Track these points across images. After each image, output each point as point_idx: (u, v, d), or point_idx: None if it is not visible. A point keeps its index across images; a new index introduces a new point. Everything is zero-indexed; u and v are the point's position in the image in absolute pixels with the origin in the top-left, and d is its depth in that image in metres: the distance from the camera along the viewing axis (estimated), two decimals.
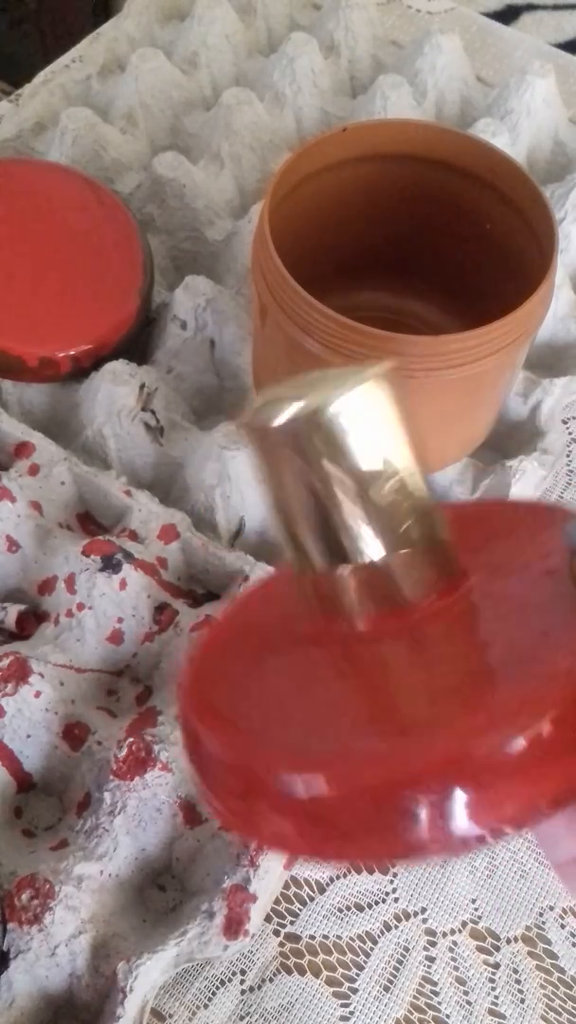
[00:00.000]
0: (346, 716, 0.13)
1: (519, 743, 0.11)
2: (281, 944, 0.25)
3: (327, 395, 0.13)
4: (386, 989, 0.25)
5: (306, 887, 0.26)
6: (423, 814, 0.11)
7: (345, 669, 0.14)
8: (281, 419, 0.13)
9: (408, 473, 0.14)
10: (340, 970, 0.25)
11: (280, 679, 0.15)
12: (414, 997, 0.25)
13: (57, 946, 0.23)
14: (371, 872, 0.26)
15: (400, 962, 0.25)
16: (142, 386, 0.31)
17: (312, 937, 0.25)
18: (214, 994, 0.24)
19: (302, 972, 0.25)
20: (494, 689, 0.12)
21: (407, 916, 0.26)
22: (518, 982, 0.25)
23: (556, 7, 0.48)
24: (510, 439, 0.34)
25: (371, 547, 0.14)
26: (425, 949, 0.25)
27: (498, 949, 0.26)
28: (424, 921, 0.26)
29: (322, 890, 0.26)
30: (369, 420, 0.13)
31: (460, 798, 0.11)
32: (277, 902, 0.25)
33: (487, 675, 0.13)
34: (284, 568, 0.17)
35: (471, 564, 0.14)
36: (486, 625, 0.14)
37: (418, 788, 0.11)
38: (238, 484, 0.30)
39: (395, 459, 0.14)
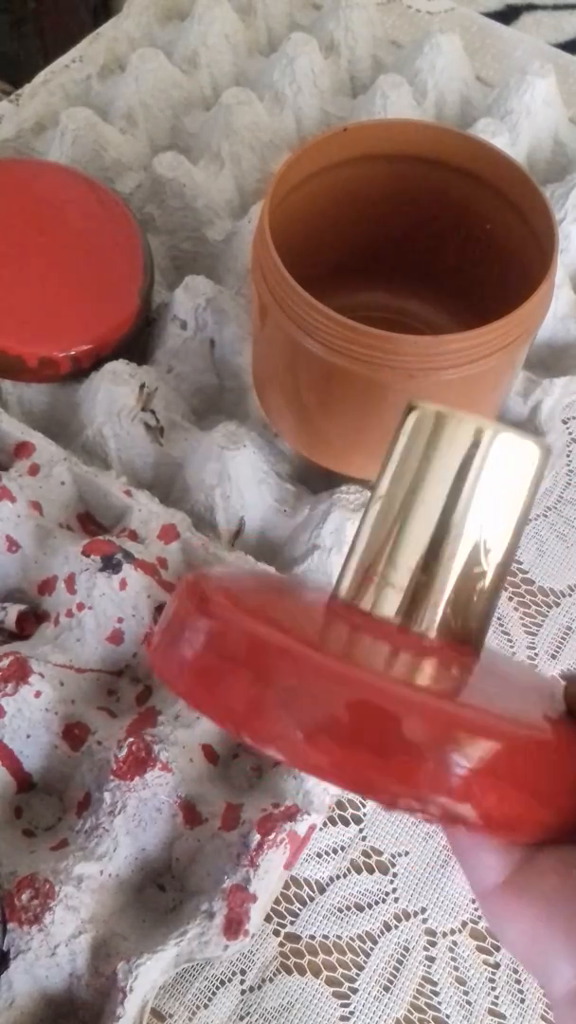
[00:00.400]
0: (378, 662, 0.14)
1: (539, 742, 0.12)
2: (281, 944, 0.25)
3: (511, 432, 0.15)
4: (386, 989, 0.25)
5: (306, 887, 0.26)
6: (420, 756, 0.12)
7: (350, 636, 0.15)
8: (472, 424, 0.15)
9: (505, 544, 0.15)
10: (340, 970, 0.25)
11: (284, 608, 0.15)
12: (414, 997, 0.25)
13: (57, 946, 0.23)
14: (371, 872, 0.26)
15: (400, 962, 0.25)
16: (142, 386, 0.31)
17: (312, 937, 0.25)
18: (214, 994, 0.24)
19: (302, 972, 0.25)
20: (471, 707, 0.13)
21: (407, 916, 0.26)
22: (518, 982, 0.25)
23: (556, 7, 0.48)
24: None
25: (446, 563, 0.15)
26: (425, 949, 0.25)
27: (498, 949, 0.26)
28: (424, 921, 0.26)
29: (322, 890, 0.26)
30: (523, 474, 0.15)
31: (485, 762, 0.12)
32: (277, 902, 0.25)
33: (510, 705, 0.14)
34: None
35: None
36: (478, 685, 0.15)
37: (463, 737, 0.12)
38: (238, 484, 0.30)
39: (509, 525, 0.15)
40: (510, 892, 0.13)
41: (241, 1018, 0.24)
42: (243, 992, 0.24)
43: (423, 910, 0.26)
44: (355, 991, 0.25)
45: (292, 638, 0.13)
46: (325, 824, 0.26)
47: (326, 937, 0.25)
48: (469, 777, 0.12)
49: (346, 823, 0.27)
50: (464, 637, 0.15)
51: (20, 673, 0.25)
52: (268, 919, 0.25)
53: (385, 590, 0.15)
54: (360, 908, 0.26)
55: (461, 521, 0.15)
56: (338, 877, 0.26)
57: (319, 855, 0.26)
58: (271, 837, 0.24)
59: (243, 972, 0.25)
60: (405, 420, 0.16)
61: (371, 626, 0.15)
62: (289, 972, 0.25)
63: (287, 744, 0.12)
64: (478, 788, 0.12)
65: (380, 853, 0.27)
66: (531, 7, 0.48)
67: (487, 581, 0.15)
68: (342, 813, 0.27)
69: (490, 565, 0.15)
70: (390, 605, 0.15)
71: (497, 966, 0.25)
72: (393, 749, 0.12)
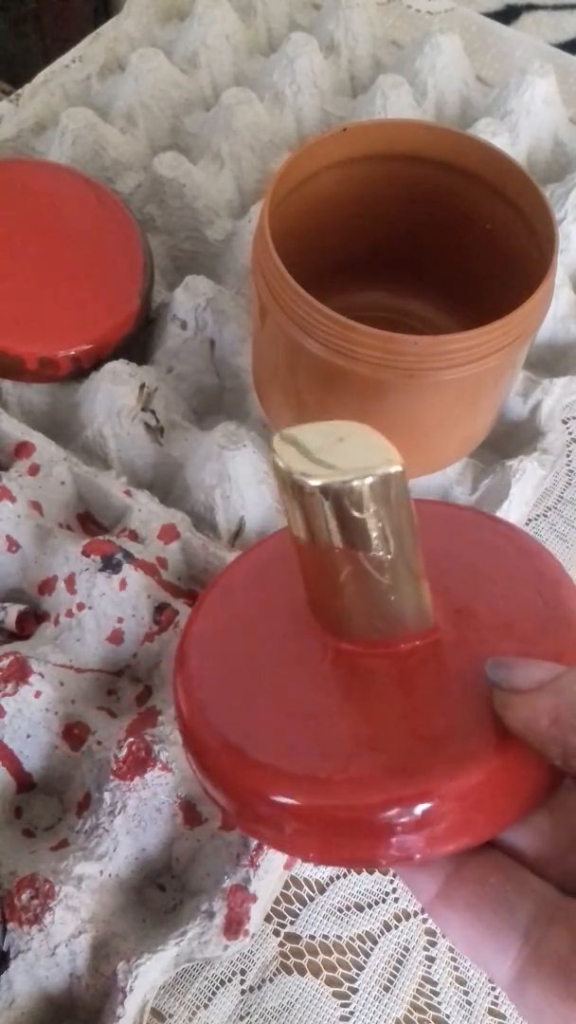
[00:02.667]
0: (332, 730, 0.15)
1: (466, 787, 0.14)
2: (281, 944, 0.25)
3: (379, 466, 0.15)
4: (386, 989, 0.25)
5: (306, 887, 0.26)
6: (388, 830, 0.13)
7: (334, 679, 0.16)
8: (315, 482, 0.15)
9: (409, 546, 0.16)
10: (340, 970, 0.25)
11: (271, 678, 0.16)
12: (414, 997, 0.25)
13: (57, 946, 0.23)
14: (369, 872, 0.26)
15: (400, 962, 0.25)
16: (142, 386, 0.31)
17: (312, 937, 0.25)
18: (214, 994, 0.24)
19: (302, 972, 0.25)
20: (449, 737, 0.15)
21: (407, 916, 0.26)
22: None
23: (556, 7, 0.48)
24: (510, 439, 0.34)
25: (374, 581, 0.16)
26: (425, 949, 0.25)
27: None
28: (424, 921, 0.26)
29: (322, 890, 0.26)
30: (388, 497, 0.15)
31: (417, 822, 0.14)
32: (277, 902, 0.25)
33: (445, 721, 0.15)
34: (275, 543, 0.19)
35: (441, 606, 0.17)
36: (448, 674, 0.16)
37: (388, 809, 0.13)
38: (238, 484, 0.30)
39: (405, 534, 0.15)
40: (443, 903, 0.14)
41: (241, 1018, 0.24)
42: (243, 992, 0.24)
43: (423, 910, 0.26)
44: (355, 991, 0.25)
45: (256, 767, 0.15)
46: None
47: (326, 937, 0.25)
48: (413, 841, 0.14)
49: None
50: (422, 624, 0.16)
51: (20, 673, 0.25)
52: (268, 919, 0.25)
53: (340, 622, 0.16)
54: (360, 908, 0.26)
55: (359, 556, 0.15)
56: (338, 877, 0.26)
57: None
58: None
59: (243, 972, 0.25)
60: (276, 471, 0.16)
61: (344, 653, 0.16)
62: (289, 972, 0.25)
63: (272, 840, 0.15)
64: (422, 844, 0.14)
65: None
66: (531, 7, 0.48)
67: (411, 586, 0.16)
68: None
69: (405, 574, 0.16)
70: (351, 631, 0.16)
71: None
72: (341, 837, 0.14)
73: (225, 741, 0.15)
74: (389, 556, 0.15)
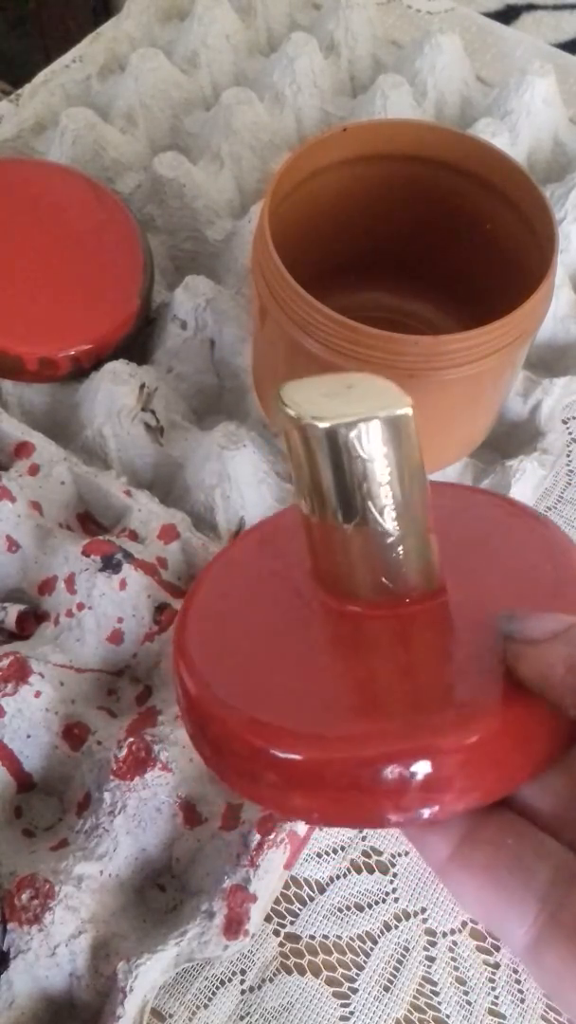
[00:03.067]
0: (335, 690, 0.15)
1: (472, 741, 0.13)
2: (281, 944, 0.25)
3: (388, 406, 0.15)
4: (386, 989, 0.25)
5: (306, 887, 0.26)
6: (393, 786, 0.13)
7: (338, 641, 0.16)
8: (324, 424, 0.15)
9: (421, 492, 0.15)
10: (340, 970, 0.25)
11: (274, 645, 0.16)
12: (414, 997, 0.25)
13: (57, 946, 0.23)
14: (371, 872, 0.26)
15: (400, 962, 0.25)
16: (142, 386, 0.31)
17: (312, 937, 0.25)
18: (214, 994, 0.24)
19: (302, 972, 0.25)
20: (455, 693, 0.14)
21: (407, 916, 0.26)
22: (518, 982, 0.25)
23: (556, 7, 0.48)
24: (510, 439, 0.34)
25: (380, 542, 0.15)
26: (425, 949, 0.25)
27: (498, 949, 0.26)
28: (424, 921, 0.26)
29: (322, 890, 0.26)
30: (398, 441, 0.15)
31: (423, 778, 0.13)
32: (277, 902, 0.25)
33: (451, 679, 0.15)
34: (281, 519, 0.19)
35: (450, 571, 0.16)
36: (455, 634, 0.16)
37: (392, 763, 0.13)
38: (238, 484, 0.30)
39: (413, 479, 0.15)
40: (457, 865, 0.14)
41: (241, 1018, 0.24)
42: (243, 992, 0.24)
43: (423, 910, 0.26)
44: (355, 991, 0.25)
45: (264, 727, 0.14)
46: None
47: (326, 937, 0.25)
48: (420, 798, 0.13)
49: None
50: (428, 585, 0.16)
51: (20, 673, 0.25)
52: (268, 919, 0.25)
53: (342, 579, 0.16)
54: (360, 908, 0.26)
55: (367, 505, 0.15)
56: (338, 877, 0.26)
57: (319, 855, 0.26)
58: (271, 837, 0.24)
59: (243, 972, 0.25)
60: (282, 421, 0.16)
61: (347, 613, 0.16)
62: (289, 972, 0.25)
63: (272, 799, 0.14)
64: (430, 801, 0.13)
65: (380, 853, 0.27)
66: (531, 7, 0.48)
67: (418, 540, 0.16)
68: None
69: (411, 526, 0.16)
70: (355, 589, 0.16)
71: (497, 966, 0.25)
72: (353, 790, 0.13)
73: (225, 703, 0.15)
74: (397, 504, 0.15)
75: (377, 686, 0.15)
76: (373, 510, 0.15)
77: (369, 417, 0.14)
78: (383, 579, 0.16)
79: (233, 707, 0.15)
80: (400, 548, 0.16)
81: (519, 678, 0.14)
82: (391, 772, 0.13)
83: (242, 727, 0.14)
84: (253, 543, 0.19)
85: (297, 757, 0.14)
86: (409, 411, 0.15)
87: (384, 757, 0.13)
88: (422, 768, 0.13)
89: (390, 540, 0.15)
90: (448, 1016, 0.25)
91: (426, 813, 0.13)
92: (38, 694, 0.25)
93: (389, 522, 0.15)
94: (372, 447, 0.15)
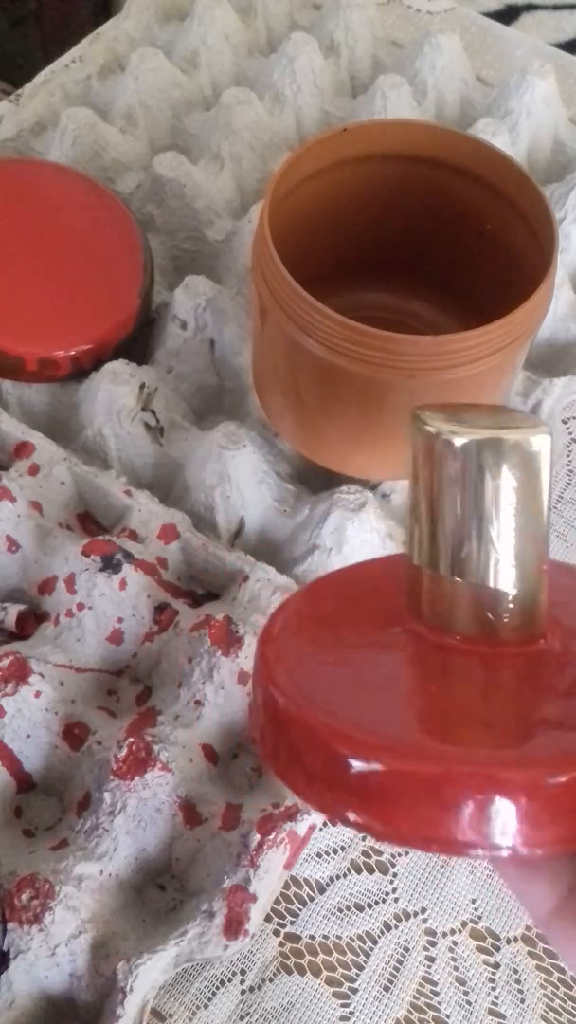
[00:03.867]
0: (421, 715, 0.15)
1: (553, 783, 0.13)
2: (281, 944, 0.25)
3: (527, 431, 0.15)
4: (386, 989, 0.25)
5: (306, 887, 0.26)
6: (464, 811, 0.13)
7: (429, 670, 0.16)
8: (471, 437, 0.15)
9: (540, 529, 0.15)
10: (340, 970, 0.25)
11: (358, 665, 0.16)
12: (414, 997, 0.25)
13: (57, 946, 0.23)
14: (371, 872, 0.26)
15: (400, 962, 0.25)
16: (142, 386, 0.31)
17: (312, 937, 0.25)
18: (214, 994, 0.24)
19: (302, 972, 0.25)
20: (540, 736, 0.14)
21: (407, 916, 0.26)
22: (518, 982, 0.25)
23: (556, 7, 0.48)
24: None
25: (493, 572, 0.15)
26: (425, 949, 0.25)
27: (498, 949, 0.26)
28: (424, 921, 0.26)
29: (322, 890, 0.26)
30: (535, 469, 0.15)
31: (498, 808, 0.13)
32: (277, 902, 0.25)
33: (539, 724, 0.14)
34: (383, 561, 0.18)
35: (552, 626, 0.16)
36: (547, 684, 0.15)
37: (465, 788, 0.13)
38: (238, 484, 0.30)
39: (536, 514, 0.15)
40: (564, 920, 0.13)
41: (241, 1018, 0.24)
42: (243, 992, 0.24)
43: (423, 910, 0.26)
44: (355, 991, 0.25)
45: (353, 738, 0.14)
46: (325, 824, 0.26)
47: (326, 937, 0.25)
48: (493, 826, 0.13)
49: None
50: (528, 628, 0.16)
51: (20, 673, 0.25)
52: (268, 919, 0.25)
53: (445, 604, 0.16)
54: (360, 908, 0.26)
55: (488, 529, 0.15)
56: (338, 877, 0.26)
57: (319, 855, 0.26)
58: (271, 837, 0.24)
59: (243, 972, 0.25)
60: (413, 438, 0.16)
61: (441, 645, 0.16)
62: (289, 972, 0.25)
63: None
64: (507, 834, 0.13)
65: (380, 853, 0.27)
66: (531, 7, 0.48)
67: (531, 574, 0.15)
68: None
69: (527, 558, 0.15)
70: (455, 617, 0.16)
71: (497, 966, 0.25)
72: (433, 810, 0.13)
73: (313, 705, 0.14)
74: (517, 530, 0.15)
75: (464, 719, 0.15)
76: (491, 532, 0.15)
77: (508, 433, 0.14)
78: (487, 613, 0.15)
79: (320, 709, 0.14)
80: (511, 579, 0.15)
81: None
82: (464, 791, 0.13)
83: (327, 732, 0.14)
84: (341, 579, 0.19)
85: (378, 767, 0.13)
86: (548, 436, 0.15)
87: (468, 778, 0.13)
88: (503, 797, 0.13)
89: (503, 566, 0.15)
90: (448, 1016, 0.25)
91: (505, 845, 0.13)
92: (38, 694, 0.25)
93: (509, 546, 0.15)
94: (504, 464, 0.14)
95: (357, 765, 0.13)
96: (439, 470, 0.15)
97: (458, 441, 0.15)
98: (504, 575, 0.15)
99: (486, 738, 0.14)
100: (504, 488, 0.15)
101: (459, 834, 0.13)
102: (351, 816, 0.14)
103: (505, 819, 0.13)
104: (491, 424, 0.15)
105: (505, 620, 0.15)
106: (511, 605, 0.15)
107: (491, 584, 0.15)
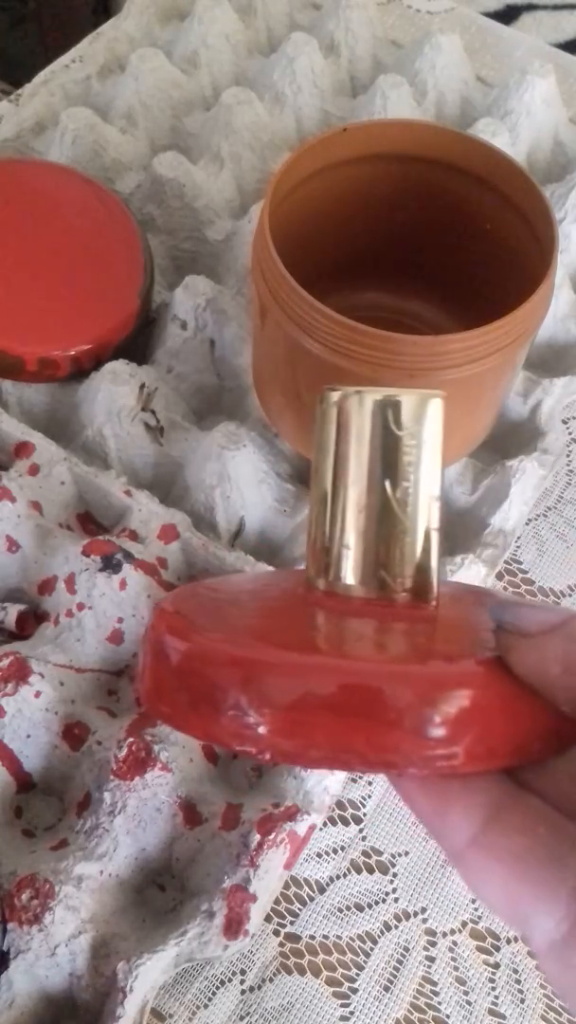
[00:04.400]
0: (327, 643, 0.15)
1: (453, 696, 0.13)
2: (281, 944, 0.25)
3: (422, 393, 0.16)
4: (386, 989, 0.25)
5: (306, 887, 0.26)
6: (366, 723, 0.13)
7: (326, 627, 0.16)
8: (369, 396, 0.16)
9: (435, 492, 0.16)
10: (340, 970, 0.25)
11: (260, 620, 0.16)
12: (414, 997, 0.25)
13: (57, 946, 0.23)
14: (371, 872, 0.26)
15: (400, 962, 0.25)
16: (142, 386, 0.31)
17: (312, 937, 0.25)
18: (214, 994, 0.24)
19: (302, 972, 0.25)
20: (452, 660, 0.14)
21: (407, 916, 0.26)
22: (518, 982, 0.25)
23: (556, 7, 0.48)
24: (510, 439, 0.34)
25: (388, 534, 0.16)
26: (425, 949, 0.25)
27: (498, 949, 0.26)
28: (424, 921, 0.26)
29: (322, 890, 0.26)
30: (431, 429, 0.16)
31: (405, 719, 0.13)
32: (277, 902, 0.25)
33: (445, 652, 0.15)
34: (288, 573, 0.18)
35: (445, 600, 0.16)
36: (436, 644, 0.15)
37: (391, 700, 0.13)
38: (238, 484, 0.30)
39: (431, 476, 0.16)
40: (481, 851, 0.13)
41: (241, 1018, 0.24)
42: (243, 992, 0.24)
43: (423, 910, 0.26)
44: (355, 991, 0.25)
45: (259, 646, 0.14)
46: (325, 824, 0.26)
47: (326, 937, 0.25)
48: (447, 727, 0.13)
49: (346, 823, 0.27)
50: (421, 590, 0.16)
51: (20, 673, 0.25)
52: (268, 919, 0.25)
53: (342, 565, 0.16)
54: (360, 908, 0.26)
55: (385, 484, 0.16)
56: (338, 877, 0.26)
57: (319, 855, 0.26)
58: (271, 837, 0.24)
59: (243, 972, 0.25)
60: (320, 406, 0.17)
61: (337, 605, 0.16)
62: (289, 972, 0.25)
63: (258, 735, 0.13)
64: (456, 733, 0.13)
65: (380, 853, 0.27)
66: (531, 7, 0.48)
67: (425, 534, 0.16)
68: (342, 813, 0.27)
69: (422, 518, 0.16)
70: (350, 578, 0.16)
71: (497, 966, 0.25)
72: (374, 718, 0.13)
73: (206, 631, 0.14)
74: (413, 489, 0.16)
75: (367, 646, 0.15)
76: (390, 490, 0.16)
77: (409, 394, 0.16)
78: (382, 571, 0.16)
79: (215, 634, 0.14)
80: (406, 539, 0.16)
81: (512, 672, 0.13)
82: (364, 704, 0.13)
83: (224, 650, 0.13)
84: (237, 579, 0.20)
85: (283, 679, 0.13)
86: (440, 398, 0.16)
87: (362, 687, 0.13)
88: (409, 708, 0.13)
89: (400, 527, 0.16)
90: (448, 1016, 0.25)
91: (398, 762, 0.13)
92: (38, 694, 0.25)
93: (403, 508, 0.16)
94: (404, 420, 0.16)
95: (257, 682, 0.13)
96: (342, 423, 0.16)
97: (368, 397, 0.16)
98: (399, 537, 0.16)
99: (390, 657, 0.14)
100: (401, 447, 0.16)
101: (368, 749, 0.13)
102: (250, 732, 0.13)
103: (410, 734, 0.13)
104: (387, 390, 0.16)
105: (399, 582, 0.16)
106: (406, 567, 0.16)
107: (386, 545, 0.16)
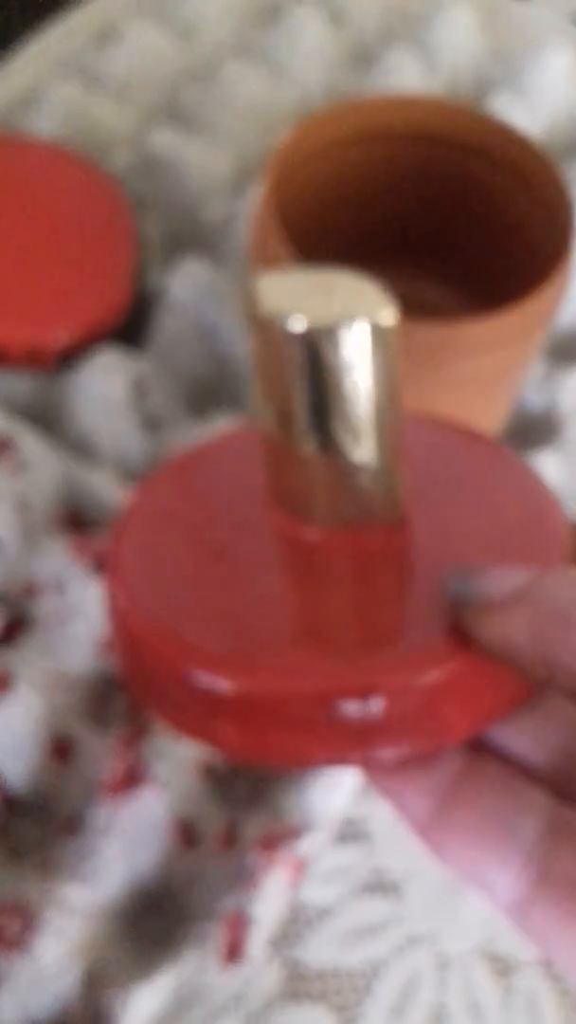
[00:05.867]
0: (280, 618, 0.14)
1: (424, 683, 0.13)
2: (282, 970, 0.24)
3: (362, 312, 0.14)
4: (396, 1015, 0.24)
5: (310, 910, 0.25)
6: (318, 723, 0.13)
7: (288, 566, 0.15)
8: (299, 326, 0.14)
9: (391, 417, 0.15)
10: (346, 996, 0.24)
11: (218, 564, 0.15)
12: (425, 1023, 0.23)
13: (46, 974, 0.21)
14: (378, 893, 0.25)
15: (410, 987, 0.24)
16: (135, 376, 0.30)
17: (316, 962, 0.24)
18: None
19: (306, 999, 0.24)
20: (406, 635, 0.14)
21: (417, 939, 0.25)
22: (534, 1006, 0.24)
23: None
24: (526, 433, 0.32)
25: (350, 449, 0.15)
26: (436, 973, 0.24)
27: (513, 972, 0.24)
28: (434, 944, 0.25)
29: (327, 913, 0.25)
30: (379, 352, 0.14)
31: (363, 713, 0.13)
32: (279, 926, 0.24)
33: (404, 620, 0.14)
34: (236, 435, 0.18)
35: (417, 508, 0.16)
36: (412, 574, 0.15)
37: (344, 697, 0.13)
38: None
39: (385, 399, 0.15)
40: (437, 826, 0.14)
41: None
42: (243, 1021, 0.23)
43: (433, 933, 0.25)
44: (363, 1018, 0.23)
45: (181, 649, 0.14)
46: (330, 843, 0.25)
47: (331, 962, 0.24)
48: (349, 735, 0.13)
49: (352, 841, 0.26)
50: (391, 512, 0.15)
51: (3, 683, 0.24)
52: (269, 944, 0.24)
53: (308, 501, 0.15)
54: (367, 931, 0.25)
55: (330, 411, 0.14)
56: (343, 899, 0.25)
57: (323, 877, 0.25)
58: (272, 857, 0.23)
59: (244, 1000, 0.23)
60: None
61: (301, 544, 0.15)
62: (292, 999, 0.24)
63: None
64: (360, 741, 0.13)
65: (389, 873, 0.25)
66: None
67: (383, 454, 0.15)
68: (348, 831, 0.26)
69: (374, 430, 0.15)
70: (321, 509, 0.15)
71: (512, 990, 0.24)
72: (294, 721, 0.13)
73: (158, 625, 0.14)
74: (368, 424, 0.14)
75: (325, 618, 0.14)
76: (342, 427, 0.14)
77: (350, 321, 0.13)
78: (344, 505, 0.15)
79: (166, 627, 0.14)
80: (365, 473, 0.15)
81: (479, 644, 0.13)
82: (319, 706, 0.13)
83: (173, 650, 0.13)
84: (199, 459, 0.18)
85: (227, 684, 0.13)
86: (392, 321, 0.14)
87: (316, 691, 0.13)
88: (355, 705, 0.13)
89: (357, 462, 0.15)
90: None
91: (354, 755, 0.13)
92: (24, 704, 0.24)
93: (358, 442, 0.14)
94: (351, 355, 0.14)
95: (209, 684, 0.13)
96: (279, 356, 0.14)
97: (297, 327, 0.14)
98: (357, 466, 0.15)
99: (348, 642, 0.14)
100: (351, 375, 0.14)
101: (326, 748, 0.13)
102: (214, 737, 0.13)
103: (371, 723, 0.13)
104: (336, 301, 0.14)
105: (364, 511, 0.15)
106: (367, 496, 0.15)
107: (345, 477, 0.15)
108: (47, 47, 0.39)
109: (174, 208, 0.35)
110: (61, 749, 0.25)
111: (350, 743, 0.13)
